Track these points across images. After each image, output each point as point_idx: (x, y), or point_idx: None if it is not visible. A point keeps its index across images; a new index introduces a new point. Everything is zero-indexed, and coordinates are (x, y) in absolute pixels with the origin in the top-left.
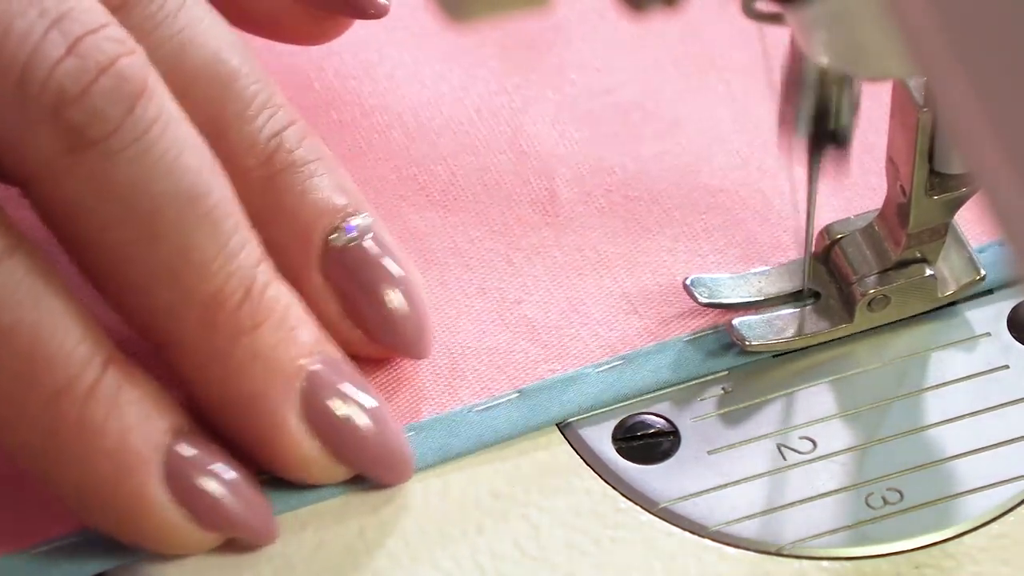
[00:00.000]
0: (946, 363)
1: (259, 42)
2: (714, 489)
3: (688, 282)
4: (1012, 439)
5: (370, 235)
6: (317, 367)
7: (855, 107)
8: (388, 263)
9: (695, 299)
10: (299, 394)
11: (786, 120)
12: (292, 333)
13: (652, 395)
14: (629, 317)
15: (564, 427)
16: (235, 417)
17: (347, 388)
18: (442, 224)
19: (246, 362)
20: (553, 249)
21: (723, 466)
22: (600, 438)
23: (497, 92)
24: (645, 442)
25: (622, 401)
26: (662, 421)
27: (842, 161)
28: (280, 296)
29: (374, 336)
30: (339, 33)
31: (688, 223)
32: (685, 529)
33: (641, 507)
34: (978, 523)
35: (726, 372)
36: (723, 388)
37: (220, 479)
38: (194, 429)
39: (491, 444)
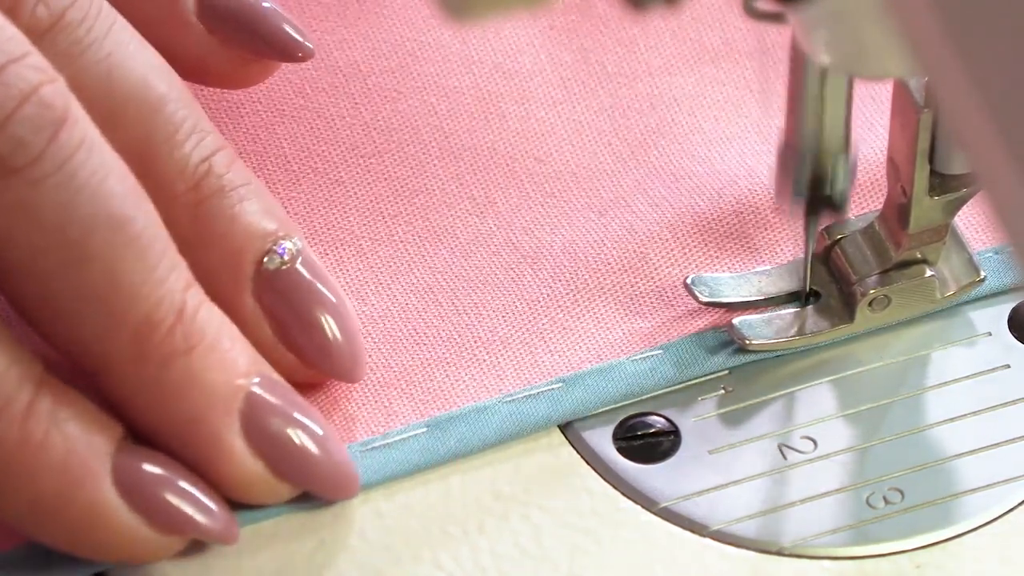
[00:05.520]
0: (947, 363)
1: None
2: (715, 489)
3: (689, 281)
4: (1012, 439)
5: (301, 259)
6: (255, 388)
7: (851, 175)
8: (320, 287)
9: (696, 298)
10: (239, 415)
11: (783, 185)
12: (227, 354)
13: (653, 395)
14: (539, 348)
15: (565, 427)
16: (175, 442)
17: (287, 407)
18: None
19: (182, 386)
20: (459, 279)
21: (724, 466)
22: (601, 438)
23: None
24: (646, 442)
25: (623, 401)
26: (663, 421)
27: (839, 221)
28: (212, 318)
29: (308, 361)
30: (265, 76)
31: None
32: (685, 529)
33: (642, 507)
34: (979, 523)
35: (727, 372)
36: (724, 388)
37: (171, 482)
38: (137, 439)
39: (422, 468)
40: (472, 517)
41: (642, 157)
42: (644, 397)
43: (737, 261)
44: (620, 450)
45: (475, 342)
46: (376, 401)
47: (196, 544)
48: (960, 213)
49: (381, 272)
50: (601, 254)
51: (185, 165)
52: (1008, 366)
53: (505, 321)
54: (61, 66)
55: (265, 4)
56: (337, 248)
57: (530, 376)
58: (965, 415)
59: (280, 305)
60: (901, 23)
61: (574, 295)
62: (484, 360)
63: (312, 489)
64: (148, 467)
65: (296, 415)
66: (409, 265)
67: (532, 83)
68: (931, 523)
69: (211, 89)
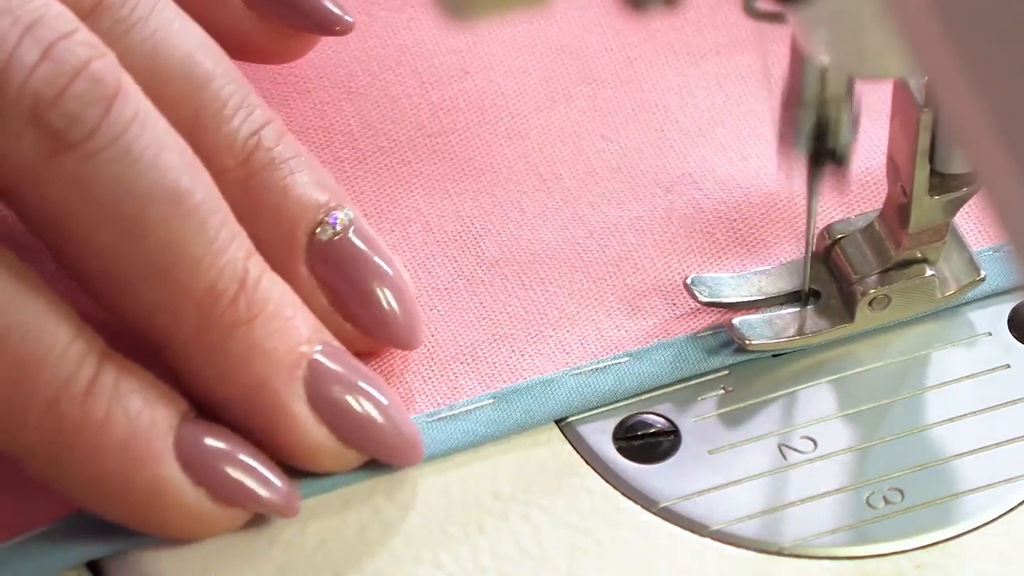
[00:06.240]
0: (947, 363)
1: None
2: (714, 489)
3: (689, 281)
4: (1012, 439)
5: (353, 229)
6: (317, 355)
7: (855, 125)
8: (374, 256)
9: (696, 298)
10: (303, 382)
11: (785, 138)
12: (289, 322)
13: (653, 394)
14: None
15: (564, 426)
16: (240, 411)
17: (350, 374)
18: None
19: (246, 354)
20: (526, 253)
21: (724, 466)
22: (601, 437)
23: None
24: (646, 441)
25: (622, 399)
26: (663, 420)
27: (842, 177)
28: (274, 287)
29: (365, 330)
30: (306, 51)
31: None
32: (685, 529)
33: (641, 507)
34: (979, 523)
35: (727, 371)
36: (724, 388)
37: (234, 457)
38: (200, 413)
39: (487, 440)
40: (472, 517)
41: (709, 134)
42: (644, 396)
43: (737, 261)
44: (620, 450)
45: (541, 319)
46: (442, 374)
47: (196, 542)
48: (960, 212)
49: (448, 246)
50: (667, 231)
51: (234, 140)
52: (1008, 366)
53: (571, 298)
54: (107, 45)
55: None
56: (403, 224)
57: (596, 351)
58: (965, 415)
59: (334, 275)
60: (901, 23)
61: (641, 272)
62: (550, 336)
63: (377, 455)
64: (210, 441)
65: (359, 382)
66: (476, 239)
67: (598, 63)
68: (931, 523)
69: (279, 66)
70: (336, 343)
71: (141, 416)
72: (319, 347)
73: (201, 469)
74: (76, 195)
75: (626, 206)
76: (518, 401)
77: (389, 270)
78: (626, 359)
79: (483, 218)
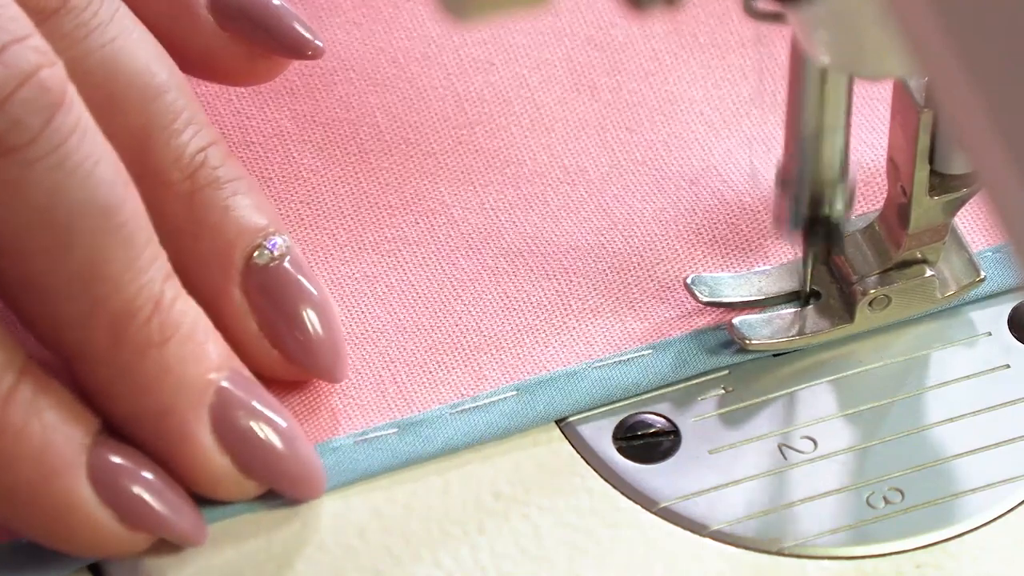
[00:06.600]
0: (947, 363)
1: None
2: (714, 489)
3: (689, 281)
4: (1012, 439)
5: (289, 257)
6: (226, 382)
7: (849, 202)
8: (306, 285)
9: (696, 298)
10: (208, 409)
11: (781, 214)
12: (201, 347)
13: (652, 394)
14: (629, 316)
15: (564, 426)
16: (145, 432)
17: (256, 404)
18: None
19: (155, 376)
20: (550, 245)
21: (724, 466)
22: (601, 437)
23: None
24: (646, 441)
25: (622, 399)
26: (663, 420)
27: (835, 248)
28: (188, 311)
29: (291, 357)
30: (275, 74)
31: (713, 214)
32: (685, 529)
33: (641, 507)
34: (979, 523)
35: (727, 371)
36: (724, 388)
37: (144, 480)
38: (112, 433)
39: (511, 432)
40: (472, 517)
41: (734, 127)
42: (644, 396)
43: (737, 261)
44: (620, 450)
45: (565, 310)
46: (466, 365)
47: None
48: (960, 213)
49: (472, 237)
50: (692, 223)
51: (181, 154)
52: (1008, 366)
53: (595, 290)
54: (65, 48)
55: (275, 1)
56: (428, 215)
57: (620, 344)
58: (965, 415)
59: (266, 301)
60: (901, 23)
61: (665, 264)
62: (574, 328)
63: (277, 486)
64: (122, 462)
65: (264, 411)
66: (500, 231)
67: (624, 55)
68: (931, 523)
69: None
70: (245, 371)
71: (57, 429)
72: (227, 374)
73: (111, 489)
74: (11, 199)
75: (651, 199)
76: (542, 393)
77: (320, 300)
78: (649, 352)
79: (508, 210)
